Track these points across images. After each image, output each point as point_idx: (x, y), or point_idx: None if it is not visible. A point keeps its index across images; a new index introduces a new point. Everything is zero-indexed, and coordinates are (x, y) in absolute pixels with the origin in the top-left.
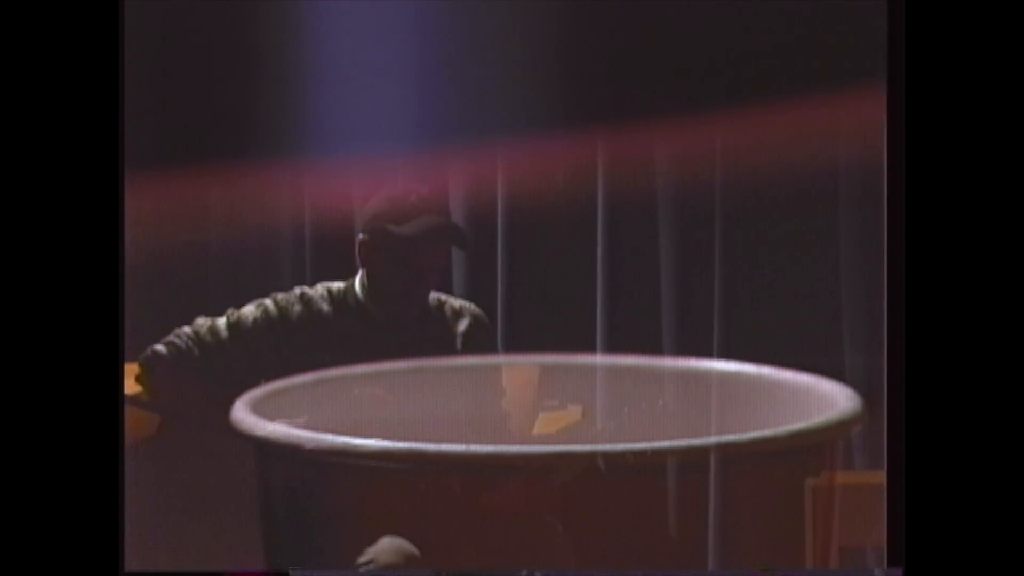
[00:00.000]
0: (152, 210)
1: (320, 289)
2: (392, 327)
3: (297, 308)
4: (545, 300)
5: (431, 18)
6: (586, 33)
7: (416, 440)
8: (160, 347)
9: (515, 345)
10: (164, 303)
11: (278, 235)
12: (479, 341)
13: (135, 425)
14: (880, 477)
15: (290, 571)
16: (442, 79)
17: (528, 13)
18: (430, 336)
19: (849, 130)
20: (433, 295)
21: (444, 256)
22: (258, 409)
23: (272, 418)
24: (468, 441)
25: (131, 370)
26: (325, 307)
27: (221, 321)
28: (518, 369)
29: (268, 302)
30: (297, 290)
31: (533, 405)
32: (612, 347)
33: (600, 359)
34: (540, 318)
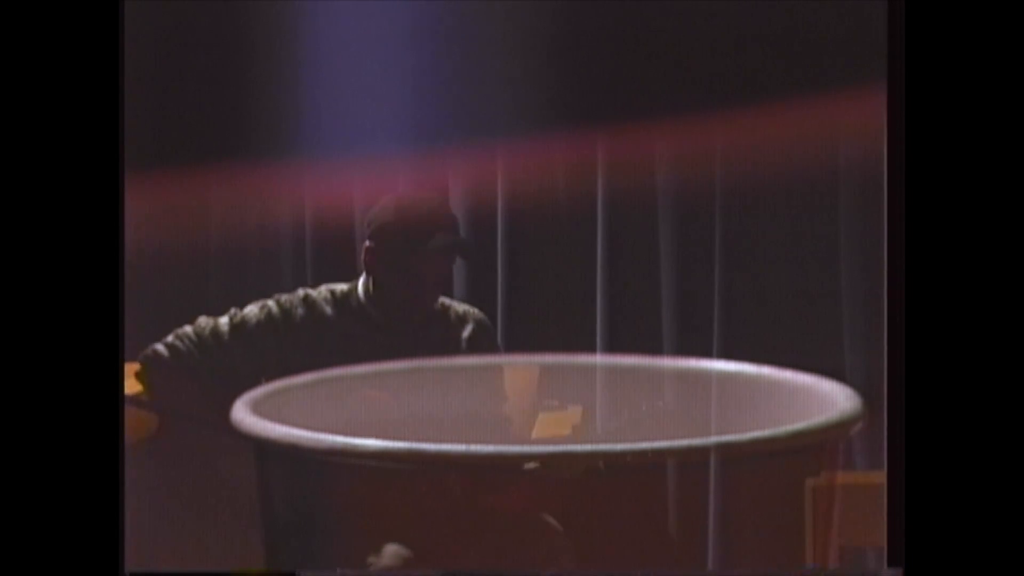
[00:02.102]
0: (152, 210)
1: (323, 291)
2: (395, 331)
3: (300, 310)
4: (545, 300)
5: (431, 18)
6: (585, 33)
7: (416, 440)
8: (160, 347)
9: (515, 345)
10: (164, 303)
11: (278, 235)
12: (483, 346)
13: (135, 425)
14: (880, 477)
15: (297, 572)
16: (441, 79)
17: (527, 13)
18: (434, 340)
19: (849, 130)
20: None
21: (450, 266)
22: (258, 409)
23: (272, 418)
24: (468, 441)
25: (131, 369)
26: (328, 309)
27: (223, 321)
28: (518, 369)
29: (271, 303)
30: (300, 292)
31: (533, 405)
32: (612, 347)
33: (600, 359)
34: (540, 318)
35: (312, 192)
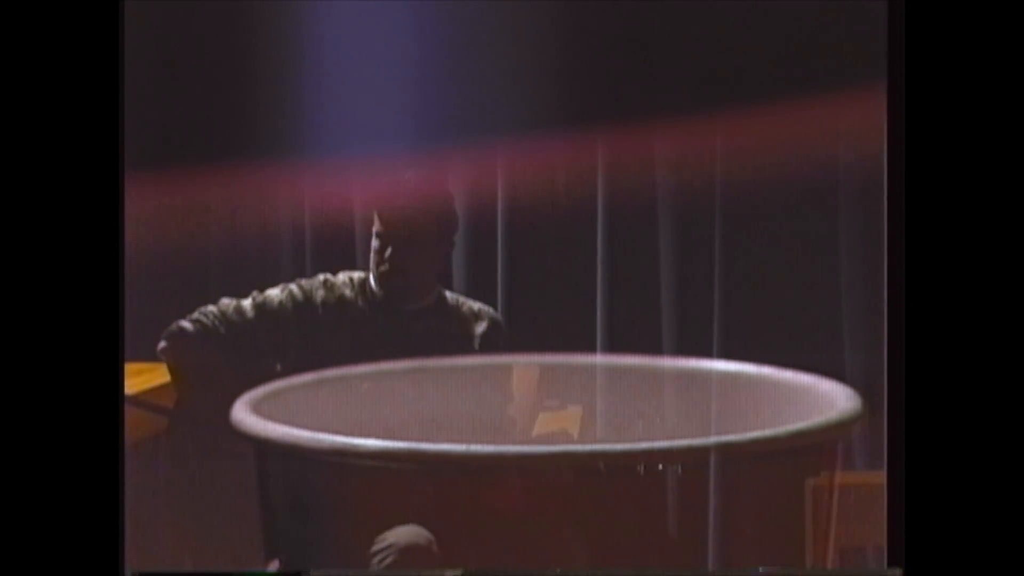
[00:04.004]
0: (152, 210)
1: (342, 277)
2: (410, 316)
3: (320, 292)
4: (545, 300)
5: (431, 18)
6: (586, 33)
7: (417, 440)
8: (186, 323)
9: (515, 345)
10: (164, 303)
11: (278, 235)
12: (496, 344)
13: (136, 425)
14: (880, 477)
15: (315, 572)
16: (442, 79)
17: (528, 13)
18: (447, 331)
19: (849, 130)
20: (451, 295)
21: (450, 245)
22: (258, 409)
23: (272, 418)
24: (468, 441)
25: (133, 370)
26: (347, 292)
27: (247, 302)
28: (518, 369)
29: (292, 286)
30: (320, 276)
31: (533, 405)
32: (612, 347)
33: (600, 359)
34: (540, 318)
35: (312, 192)
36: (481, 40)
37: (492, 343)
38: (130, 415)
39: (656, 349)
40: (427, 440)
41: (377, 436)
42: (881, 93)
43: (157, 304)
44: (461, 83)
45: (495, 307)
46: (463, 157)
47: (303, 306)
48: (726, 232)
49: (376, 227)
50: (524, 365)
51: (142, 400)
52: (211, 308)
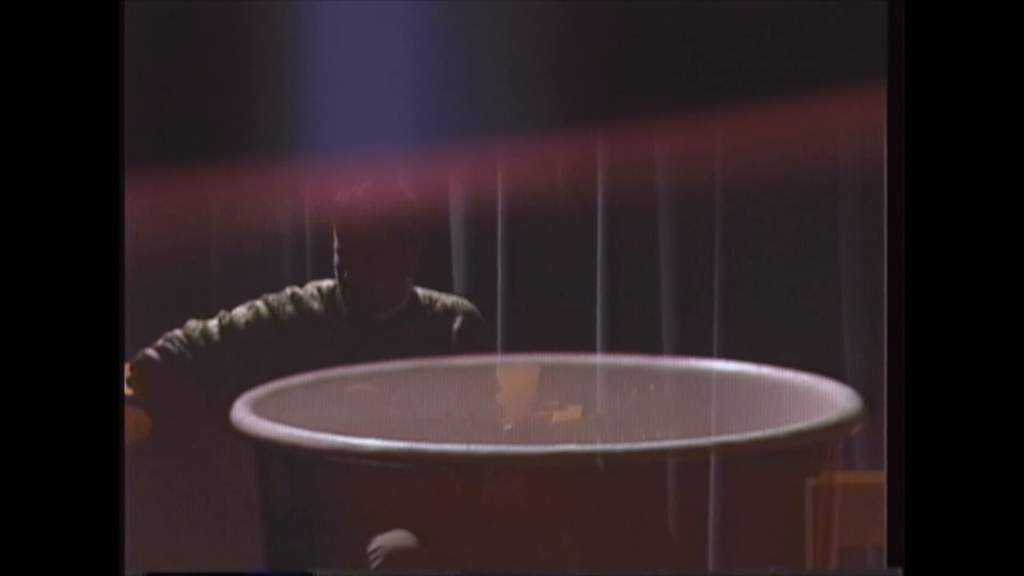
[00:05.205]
0: (152, 210)
1: (310, 288)
2: (381, 324)
3: (288, 308)
4: (545, 300)
5: (431, 18)
6: (586, 33)
7: (416, 440)
8: (151, 351)
9: (515, 345)
10: (164, 303)
11: (278, 235)
12: (474, 337)
13: (131, 426)
14: (880, 477)
15: (316, 572)
16: (442, 79)
17: (527, 13)
18: (422, 333)
19: (849, 130)
20: (423, 292)
21: (416, 257)
22: (258, 409)
23: (272, 418)
24: (468, 441)
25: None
26: (316, 305)
27: (213, 323)
28: (518, 369)
29: (259, 303)
30: (288, 290)
31: (533, 405)
32: (612, 347)
33: (600, 359)
34: (540, 318)
35: (312, 192)
36: (481, 40)
37: (469, 337)
38: (130, 415)
39: (656, 349)
40: (427, 440)
41: (377, 436)
42: (881, 92)
43: (157, 304)
44: (461, 83)
45: (495, 308)
46: (463, 157)
47: (271, 325)
48: (726, 232)
49: (336, 245)
50: (524, 365)
51: (142, 400)
52: (177, 333)
